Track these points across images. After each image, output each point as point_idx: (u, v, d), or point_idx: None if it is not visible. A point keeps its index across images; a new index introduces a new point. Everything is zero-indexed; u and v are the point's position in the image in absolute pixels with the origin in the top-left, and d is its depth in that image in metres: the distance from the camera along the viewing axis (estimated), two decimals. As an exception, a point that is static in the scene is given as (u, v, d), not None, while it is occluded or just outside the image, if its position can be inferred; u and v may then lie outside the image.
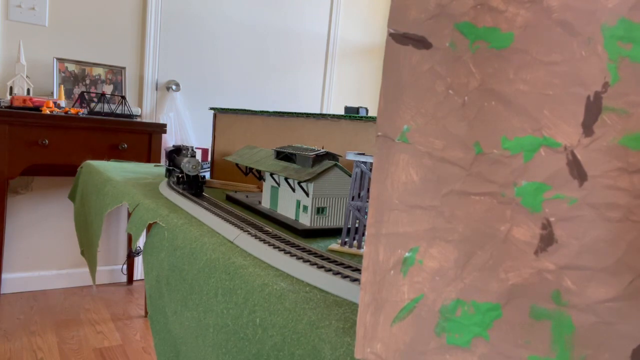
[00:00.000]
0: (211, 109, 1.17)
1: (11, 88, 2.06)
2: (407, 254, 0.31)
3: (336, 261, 0.55)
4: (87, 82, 2.32)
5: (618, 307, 0.23)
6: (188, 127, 2.57)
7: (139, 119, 2.42)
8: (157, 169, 1.40)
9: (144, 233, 2.32)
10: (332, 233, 0.74)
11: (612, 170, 0.23)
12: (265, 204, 0.88)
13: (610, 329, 0.23)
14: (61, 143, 1.98)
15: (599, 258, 0.24)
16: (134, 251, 2.38)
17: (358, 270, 0.51)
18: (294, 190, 0.78)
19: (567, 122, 0.24)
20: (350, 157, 0.67)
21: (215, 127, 1.19)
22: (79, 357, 1.75)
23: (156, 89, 2.52)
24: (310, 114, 0.98)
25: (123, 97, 2.28)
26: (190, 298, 0.61)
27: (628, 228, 0.23)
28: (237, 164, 0.96)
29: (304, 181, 0.71)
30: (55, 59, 2.23)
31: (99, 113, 2.16)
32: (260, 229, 0.68)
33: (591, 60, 0.24)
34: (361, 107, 1.23)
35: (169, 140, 2.47)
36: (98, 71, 2.34)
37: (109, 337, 1.92)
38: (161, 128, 2.20)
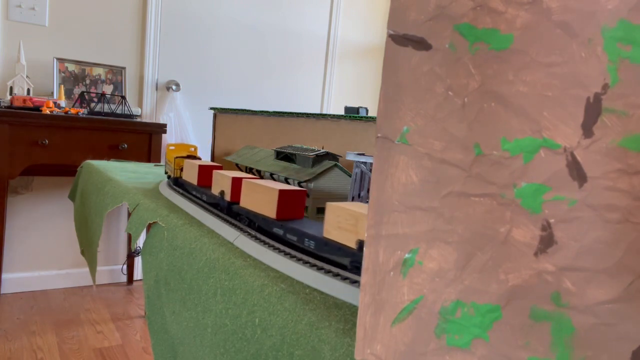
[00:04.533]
0: (211, 109, 1.17)
1: (11, 88, 2.06)
2: (406, 255, 0.31)
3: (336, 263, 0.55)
4: (87, 82, 2.32)
5: (618, 308, 0.23)
6: (188, 127, 2.57)
7: (139, 119, 2.42)
8: (157, 169, 1.40)
9: (144, 233, 2.32)
10: (332, 233, 0.74)
11: (611, 171, 0.23)
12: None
13: (610, 330, 0.23)
14: (61, 143, 1.98)
15: (598, 259, 0.23)
16: (133, 251, 2.38)
17: (358, 272, 0.51)
18: (293, 190, 0.78)
19: (566, 124, 0.24)
20: (350, 157, 0.67)
21: (215, 127, 1.19)
22: (79, 357, 1.75)
23: (156, 89, 2.52)
24: (310, 114, 0.98)
25: (123, 97, 2.28)
26: (189, 298, 0.61)
27: (628, 229, 0.23)
28: (237, 164, 0.96)
29: (304, 181, 0.71)
30: (55, 59, 2.23)
31: (99, 113, 2.16)
32: (260, 230, 0.68)
33: (591, 61, 0.24)
34: (361, 107, 1.23)
35: (169, 140, 2.47)
36: (98, 71, 2.34)
37: (109, 337, 1.92)
38: (161, 128, 2.20)
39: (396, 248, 0.32)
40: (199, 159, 1.00)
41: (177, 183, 0.98)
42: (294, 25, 2.89)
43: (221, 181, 0.74)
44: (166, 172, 1.08)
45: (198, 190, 0.85)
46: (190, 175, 0.89)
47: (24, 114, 1.90)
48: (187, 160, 0.93)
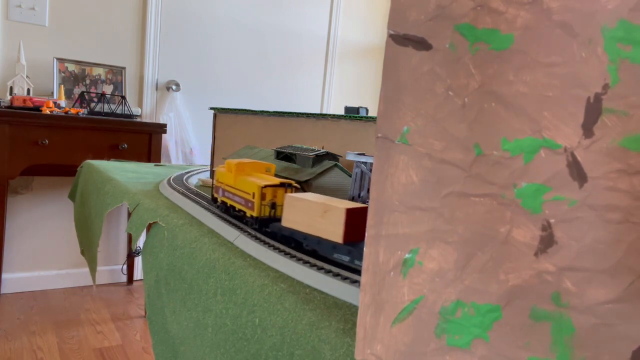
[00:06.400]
0: (211, 109, 1.17)
1: (11, 88, 2.06)
2: (407, 255, 0.31)
3: (336, 263, 0.55)
4: (87, 82, 2.32)
5: (618, 308, 0.23)
6: (188, 127, 2.57)
7: (139, 119, 2.42)
8: (157, 169, 1.40)
9: (144, 233, 2.32)
10: (332, 233, 0.73)
11: (612, 171, 0.23)
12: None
13: (610, 330, 0.23)
14: (61, 143, 1.98)
15: (598, 259, 0.23)
16: (134, 251, 2.38)
17: (358, 271, 0.51)
18: (294, 190, 0.78)
19: (567, 124, 0.24)
20: (351, 157, 0.67)
21: (215, 127, 1.19)
22: (79, 357, 1.75)
23: (156, 89, 2.52)
24: (310, 114, 0.98)
25: (123, 97, 2.28)
26: (189, 298, 0.61)
27: (628, 230, 0.23)
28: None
29: (304, 181, 0.71)
30: (55, 59, 2.23)
31: (99, 113, 2.16)
32: (260, 230, 0.68)
33: (591, 61, 0.24)
34: (361, 107, 1.23)
35: (169, 140, 2.47)
36: (98, 71, 2.34)
37: (109, 337, 1.92)
38: (161, 128, 2.20)
39: (396, 248, 0.32)
40: (296, 187, 0.65)
41: (266, 231, 0.64)
42: (294, 25, 2.89)
43: None
44: (215, 200, 0.79)
45: (357, 256, 0.48)
46: (316, 225, 0.53)
47: (24, 114, 1.90)
48: (298, 197, 0.55)
